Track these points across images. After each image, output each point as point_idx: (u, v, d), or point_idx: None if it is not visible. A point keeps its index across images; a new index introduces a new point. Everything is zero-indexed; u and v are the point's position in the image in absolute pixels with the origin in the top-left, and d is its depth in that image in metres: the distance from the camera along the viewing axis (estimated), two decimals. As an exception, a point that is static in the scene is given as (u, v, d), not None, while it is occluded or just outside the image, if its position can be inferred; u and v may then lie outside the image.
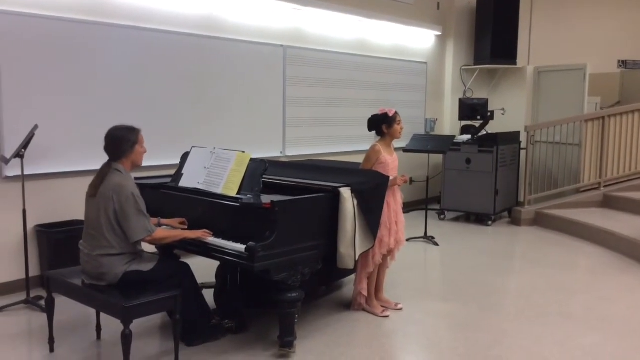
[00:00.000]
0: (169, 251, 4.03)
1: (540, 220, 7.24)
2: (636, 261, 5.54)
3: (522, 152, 7.71)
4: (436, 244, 6.26)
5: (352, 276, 4.48)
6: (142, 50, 5.11)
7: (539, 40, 8.87)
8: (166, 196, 3.82)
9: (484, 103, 7.82)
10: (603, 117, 7.41)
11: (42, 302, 4.05)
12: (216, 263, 3.85)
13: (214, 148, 3.81)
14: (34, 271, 4.51)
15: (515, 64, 8.41)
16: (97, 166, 3.35)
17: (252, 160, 3.55)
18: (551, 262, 5.69)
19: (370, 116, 4.21)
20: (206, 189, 3.62)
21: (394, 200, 4.11)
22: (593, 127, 7.41)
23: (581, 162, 7.42)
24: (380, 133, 4.17)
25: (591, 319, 4.15)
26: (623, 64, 9.27)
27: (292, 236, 3.28)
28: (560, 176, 7.60)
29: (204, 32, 5.57)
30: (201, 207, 3.60)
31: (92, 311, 3.67)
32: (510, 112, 8.13)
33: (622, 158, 7.48)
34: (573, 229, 6.70)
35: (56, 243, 4.45)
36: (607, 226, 6.30)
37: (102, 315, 3.60)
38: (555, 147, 7.53)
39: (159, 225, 3.56)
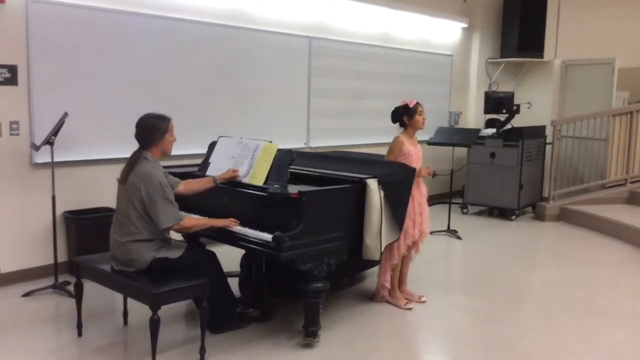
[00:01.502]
0: (195, 239, 4.07)
1: (565, 216, 7.16)
2: (663, 259, 5.47)
3: (548, 147, 7.63)
4: (459, 238, 6.23)
5: (375, 268, 4.48)
6: (171, 40, 5.14)
7: (566, 33, 8.72)
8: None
9: (510, 96, 7.73)
10: (631, 112, 7.29)
11: (70, 287, 4.14)
12: (240, 252, 3.89)
13: (241, 138, 3.83)
14: (62, 257, 4.58)
15: (542, 57, 8.30)
16: (127, 154, 3.39)
17: (279, 150, 3.56)
18: (576, 258, 5.63)
19: (393, 108, 4.20)
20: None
21: (419, 192, 4.10)
22: (620, 122, 7.29)
23: (607, 158, 7.31)
24: (402, 124, 4.16)
25: (617, 316, 4.11)
26: (653, 58, 9.08)
27: (319, 226, 3.29)
28: (586, 171, 7.51)
29: (231, 22, 5.58)
30: (227, 196, 3.62)
31: (119, 297, 3.72)
32: (536, 106, 8.02)
33: (649, 154, 7.36)
34: (598, 225, 6.62)
35: (84, 229, 4.51)
36: (633, 223, 6.21)
37: (129, 301, 3.65)
38: (582, 142, 7.43)
39: (215, 181, 3.57)
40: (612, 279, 5.07)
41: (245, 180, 3.56)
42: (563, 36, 8.72)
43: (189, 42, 5.27)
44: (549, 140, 7.60)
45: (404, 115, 4.13)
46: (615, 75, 7.57)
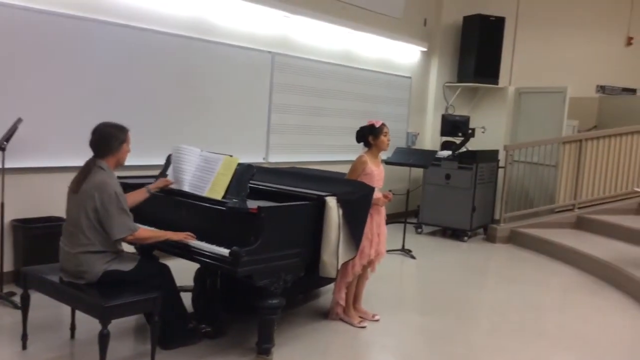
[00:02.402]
0: (149, 252, 3.99)
1: (515, 239, 7.34)
2: (607, 283, 5.65)
3: (500, 171, 7.83)
4: (413, 257, 6.31)
5: (330, 285, 4.48)
6: (131, 49, 5.07)
7: (521, 61, 9.03)
8: (149, 197, 3.77)
9: (466, 120, 7.92)
10: (580, 140, 7.57)
11: (15, 298, 3.98)
12: (195, 266, 3.83)
13: (201, 150, 3.79)
14: (8, 266, 4.41)
15: (497, 83, 8.55)
16: (80, 163, 3.31)
17: (239, 164, 3.54)
18: (525, 279, 5.77)
19: (358, 127, 4.23)
20: (191, 191, 3.60)
21: (378, 213, 4.14)
22: (570, 149, 7.56)
23: (557, 183, 7.56)
24: (367, 144, 4.20)
25: (564, 338, 4.23)
26: (601, 89, 9.50)
27: (277, 242, 3.27)
28: (536, 196, 7.74)
29: (194, 34, 5.55)
30: (185, 210, 3.57)
31: (67, 309, 3.60)
32: (490, 131, 8.24)
33: (596, 181, 7.64)
34: (547, 249, 6.81)
35: (33, 238, 4.37)
36: (580, 247, 6.42)
37: (77, 314, 3.53)
38: (533, 167, 7.66)
39: (148, 191, 3.58)
40: (559, 302, 5.22)
41: (204, 194, 3.52)
42: (518, 64, 9.02)
43: (150, 51, 5.21)
44: (501, 164, 7.81)
45: (369, 135, 4.17)
46: (567, 103, 7.85)
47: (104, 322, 2.94)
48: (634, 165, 7.69)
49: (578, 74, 9.11)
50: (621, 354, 4.00)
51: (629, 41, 9.67)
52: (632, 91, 9.61)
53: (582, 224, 7.41)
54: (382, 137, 4.17)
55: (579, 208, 7.62)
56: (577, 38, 9.31)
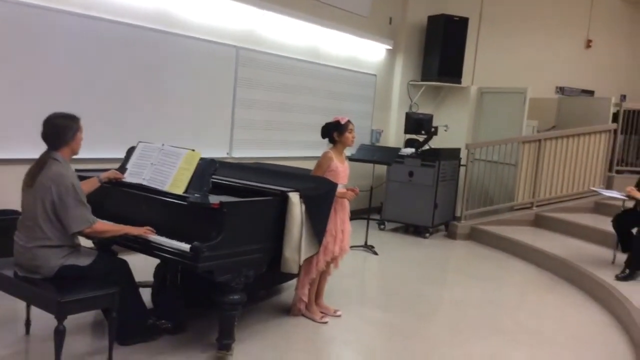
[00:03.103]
0: (107, 246, 3.92)
1: (475, 235, 7.47)
2: (563, 279, 5.80)
3: (462, 169, 7.95)
4: (375, 253, 6.36)
5: (292, 281, 4.49)
6: (90, 39, 4.96)
7: (483, 62, 9.18)
8: (108, 191, 3.71)
9: (429, 118, 8.01)
10: (539, 140, 7.75)
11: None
12: (155, 261, 3.79)
13: (163, 144, 3.74)
14: (-41, 261, 4.26)
15: (460, 83, 8.67)
16: (35, 155, 3.23)
17: (201, 159, 3.50)
18: (484, 276, 5.88)
19: (323, 123, 4.24)
20: (151, 186, 3.54)
21: (342, 209, 4.15)
22: (530, 148, 7.73)
23: (516, 182, 7.72)
24: (332, 140, 4.20)
25: (520, 334, 4.32)
26: (561, 90, 9.75)
27: (239, 238, 3.26)
28: (496, 194, 7.88)
29: (156, 26, 5.46)
30: (145, 204, 3.52)
31: (22, 305, 3.51)
32: (453, 129, 8.36)
33: (554, 180, 7.84)
34: (505, 246, 6.95)
35: (-14, 232, 4.23)
36: (538, 244, 6.58)
37: (33, 309, 3.45)
38: (493, 165, 7.80)
39: (100, 181, 3.56)
40: (517, 298, 5.33)
41: (165, 188, 3.48)
42: (480, 64, 9.17)
43: (111, 42, 5.10)
44: (463, 162, 7.93)
45: (334, 132, 4.18)
46: (527, 104, 8.01)
47: (60, 318, 2.89)
48: (590, 165, 7.92)
49: (538, 75, 9.33)
50: (576, 348, 4.12)
51: (588, 44, 9.95)
52: (590, 93, 9.90)
53: (540, 222, 7.59)
54: (347, 134, 4.18)
55: (538, 206, 7.80)
56: (538, 40, 9.52)
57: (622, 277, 5.21)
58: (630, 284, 5.09)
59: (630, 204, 5.74)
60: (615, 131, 8.09)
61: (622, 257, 5.50)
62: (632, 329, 4.27)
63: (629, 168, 8.47)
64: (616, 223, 5.65)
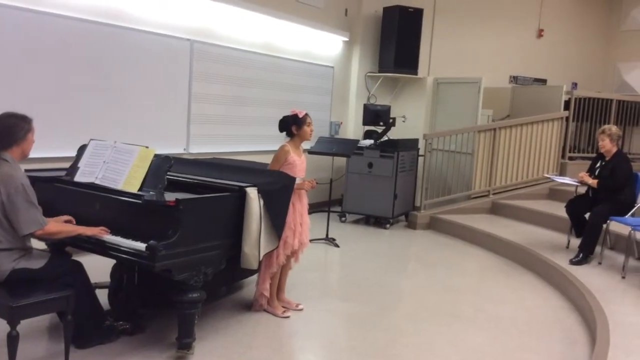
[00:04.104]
0: (60, 248, 3.81)
1: (435, 225, 7.57)
2: (520, 265, 5.94)
3: (420, 159, 8.04)
4: (337, 246, 6.38)
5: (254, 277, 4.46)
6: (37, 35, 4.80)
7: (439, 52, 9.28)
8: (60, 191, 3.61)
9: (387, 110, 8.06)
10: (494, 129, 7.89)
11: None
12: (111, 262, 3.71)
13: (115, 142, 3.65)
14: None
15: (416, 73, 8.74)
16: (-17, 155, 3.11)
17: (156, 156, 3.43)
18: (444, 264, 5.97)
19: (281, 117, 4.21)
20: (105, 185, 3.46)
21: (300, 202, 4.14)
22: (485, 138, 7.86)
23: (473, 171, 7.85)
24: (290, 134, 4.18)
25: (480, 319, 4.41)
26: (514, 79, 9.94)
27: (196, 235, 3.22)
28: (454, 183, 8.00)
29: (106, 20, 5.32)
30: (99, 204, 3.43)
31: (-29, 312, 3.39)
32: (411, 120, 8.45)
33: (509, 168, 8.00)
34: (464, 234, 7.07)
35: None
36: (494, 232, 6.71)
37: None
38: (451, 155, 7.91)
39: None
40: (475, 285, 5.43)
41: (119, 187, 3.40)
42: (436, 55, 9.26)
43: (58, 37, 4.95)
44: (421, 152, 8.02)
45: (292, 125, 4.15)
46: (481, 93, 8.14)
47: (12, 323, 2.82)
48: (544, 153, 8.12)
49: (492, 65, 9.49)
50: (534, 331, 4.22)
51: (540, 33, 10.16)
52: (543, 81, 10.12)
53: (496, 209, 7.75)
54: (306, 128, 4.16)
55: (494, 194, 7.96)
56: (492, 30, 9.68)
57: (576, 262, 5.36)
58: (584, 268, 5.25)
59: (582, 190, 5.91)
60: (567, 119, 8.32)
61: (575, 242, 5.67)
62: (585, 312, 4.40)
63: (581, 154, 8.72)
64: (569, 208, 5.81)
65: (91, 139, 3.80)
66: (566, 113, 8.28)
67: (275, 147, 4.18)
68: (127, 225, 3.27)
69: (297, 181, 4.02)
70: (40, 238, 3.22)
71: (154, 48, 5.77)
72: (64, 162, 4.29)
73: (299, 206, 4.12)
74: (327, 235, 6.54)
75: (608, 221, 5.39)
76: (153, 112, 5.84)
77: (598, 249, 5.47)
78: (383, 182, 7.45)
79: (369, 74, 8.88)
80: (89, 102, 5.23)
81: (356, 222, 7.87)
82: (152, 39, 5.73)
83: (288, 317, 4.15)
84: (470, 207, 7.80)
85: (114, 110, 5.46)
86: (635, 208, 5.37)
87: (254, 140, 7.05)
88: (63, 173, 3.80)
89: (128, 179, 3.40)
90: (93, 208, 3.44)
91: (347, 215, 7.83)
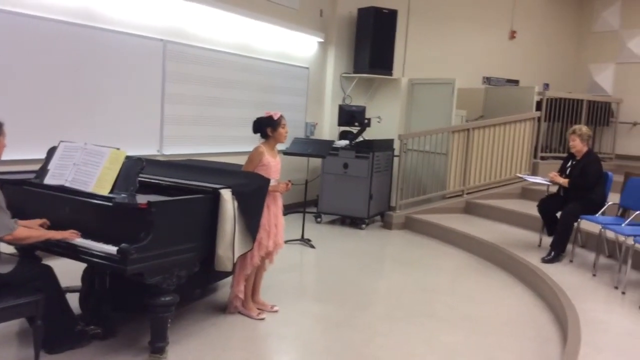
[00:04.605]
0: (30, 252, 3.73)
1: (410, 225, 7.62)
2: (494, 264, 6.00)
3: (395, 159, 8.08)
4: (312, 247, 6.37)
5: (228, 279, 4.43)
6: (6, 35, 4.70)
7: (413, 53, 9.34)
8: (29, 193, 3.54)
9: (362, 110, 8.07)
10: (468, 130, 7.96)
11: None
12: (82, 265, 3.65)
13: (85, 143, 3.59)
14: None
15: (391, 74, 8.78)
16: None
17: (127, 158, 3.39)
18: (419, 264, 6.01)
19: (255, 118, 4.19)
20: (75, 187, 3.40)
21: (274, 204, 4.13)
22: (459, 138, 7.93)
23: (447, 171, 7.91)
24: (264, 135, 4.16)
25: (454, 318, 4.44)
26: (487, 80, 10.05)
27: (169, 238, 3.18)
28: (429, 183, 8.06)
29: (77, 20, 5.23)
30: (69, 206, 3.38)
31: (-63, 318, 3.31)
32: (386, 121, 8.48)
33: (483, 168, 8.09)
34: (439, 233, 7.13)
35: None
36: (469, 231, 6.77)
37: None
38: (425, 155, 7.96)
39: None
40: (450, 284, 5.47)
41: (89, 190, 3.34)
42: (410, 56, 9.32)
43: (28, 38, 4.85)
44: (396, 153, 8.05)
45: (267, 127, 4.13)
46: (455, 94, 8.21)
47: (-21, 330, 2.74)
48: (516, 152, 8.23)
49: (466, 66, 9.59)
50: (507, 329, 4.27)
51: (512, 35, 10.29)
52: (515, 82, 10.25)
53: (470, 209, 7.83)
54: (281, 129, 4.15)
55: (468, 194, 8.03)
56: (465, 31, 9.77)
57: (548, 260, 5.44)
58: (555, 266, 5.33)
59: (554, 189, 6.00)
60: (539, 119, 8.44)
61: (547, 240, 5.75)
62: (557, 309, 4.46)
63: (552, 154, 8.87)
64: (541, 207, 5.89)
65: (61, 141, 3.74)
66: (538, 113, 8.41)
67: (250, 149, 4.15)
68: (98, 229, 3.22)
69: (272, 183, 4.00)
70: (9, 242, 3.15)
71: (125, 48, 5.69)
72: (32, 165, 4.20)
73: (273, 208, 4.10)
74: (302, 236, 6.53)
75: (579, 220, 5.49)
76: (125, 113, 5.76)
77: (569, 247, 5.56)
78: (358, 183, 7.47)
79: (344, 75, 8.90)
80: (58, 103, 5.14)
81: (332, 222, 7.87)
82: (123, 39, 5.66)
83: (263, 319, 4.13)
84: (444, 206, 7.87)
85: (84, 112, 5.37)
86: (606, 207, 5.46)
87: (229, 142, 7.00)
88: (32, 175, 3.73)
89: (99, 181, 3.35)
90: (63, 211, 3.38)
91: (322, 216, 7.82)
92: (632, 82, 9.90)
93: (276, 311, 4.29)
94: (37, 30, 4.91)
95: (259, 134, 4.20)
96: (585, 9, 10.89)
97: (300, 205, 6.93)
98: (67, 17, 5.15)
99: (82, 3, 5.29)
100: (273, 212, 4.10)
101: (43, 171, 3.63)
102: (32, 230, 3.19)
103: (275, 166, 4.13)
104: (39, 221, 3.34)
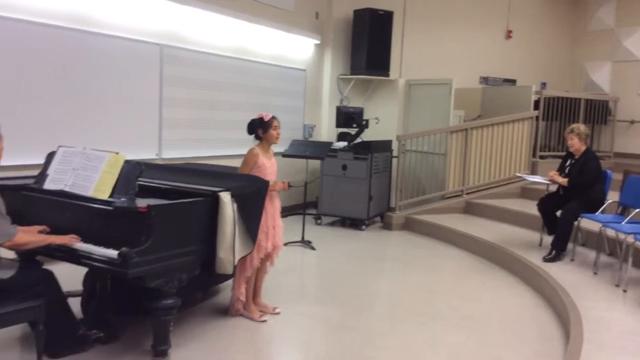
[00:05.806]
0: (30, 257, 3.72)
1: (410, 225, 7.62)
2: (494, 263, 6.00)
3: (394, 160, 8.08)
4: (313, 248, 6.37)
5: (229, 282, 4.42)
6: (4, 41, 4.69)
7: (410, 54, 9.34)
8: (29, 199, 3.53)
9: (360, 112, 8.08)
10: (466, 130, 7.97)
11: None
12: (83, 269, 3.64)
13: (84, 148, 3.59)
14: None
15: (388, 75, 8.78)
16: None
17: (126, 162, 3.38)
18: (419, 264, 6.00)
19: (249, 120, 4.20)
20: (75, 192, 3.39)
21: (272, 205, 4.12)
22: (457, 138, 7.94)
23: (446, 171, 7.92)
24: (257, 137, 4.17)
25: (455, 318, 4.44)
26: (484, 80, 10.05)
27: (169, 241, 3.17)
28: (428, 183, 8.06)
29: (73, 25, 5.23)
30: (69, 211, 3.37)
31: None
32: (384, 122, 8.48)
33: (482, 168, 8.09)
34: (439, 233, 7.12)
35: None
36: (468, 231, 6.77)
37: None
38: (424, 156, 7.97)
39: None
40: (451, 284, 5.47)
41: (89, 194, 3.34)
42: (407, 57, 9.32)
43: (26, 43, 4.85)
44: (395, 153, 8.05)
45: (259, 128, 4.14)
46: (453, 94, 8.22)
47: (-19, 336, 2.73)
48: (515, 152, 8.23)
49: (463, 66, 9.60)
50: (509, 329, 4.26)
51: (508, 34, 10.31)
52: (512, 82, 10.26)
53: (470, 209, 7.83)
54: (272, 131, 4.14)
55: (467, 194, 8.04)
56: (461, 32, 9.78)
57: (549, 259, 5.44)
58: (557, 265, 5.33)
59: (553, 188, 6.00)
60: (537, 118, 8.45)
61: (548, 239, 5.75)
62: (559, 308, 4.46)
63: (551, 153, 8.88)
64: (541, 206, 5.89)
65: (60, 146, 3.73)
66: (536, 112, 8.42)
67: (248, 151, 4.15)
68: (98, 233, 3.21)
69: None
70: (9, 248, 3.14)
71: (122, 53, 5.69)
72: (31, 170, 4.20)
73: (270, 209, 4.10)
74: (303, 238, 6.52)
75: (579, 218, 5.49)
76: (123, 118, 5.76)
77: (570, 245, 5.56)
78: (358, 184, 7.47)
79: (341, 77, 8.90)
80: (57, 109, 5.14)
81: (332, 224, 7.87)
82: (120, 43, 5.65)
83: (265, 321, 4.12)
84: (444, 207, 7.87)
85: (83, 117, 5.36)
86: (605, 205, 5.47)
87: (228, 145, 7.00)
88: (31, 181, 3.72)
89: (98, 185, 3.34)
90: (63, 216, 3.37)
91: (322, 217, 7.82)
92: (629, 80, 9.91)
93: (278, 313, 4.28)
94: (35, 35, 4.90)
95: (254, 136, 4.21)
96: (580, 9, 10.91)
97: (300, 207, 6.93)
98: (65, 23, 5.15)
99: (79, 8, 5.29)
100: (270, 214, 4.10)
101: (42, 176, 3.62)
102: (31, 235, 3.18)
103: (270, 167, 4.13)
104: (38, 227, 3.33)
